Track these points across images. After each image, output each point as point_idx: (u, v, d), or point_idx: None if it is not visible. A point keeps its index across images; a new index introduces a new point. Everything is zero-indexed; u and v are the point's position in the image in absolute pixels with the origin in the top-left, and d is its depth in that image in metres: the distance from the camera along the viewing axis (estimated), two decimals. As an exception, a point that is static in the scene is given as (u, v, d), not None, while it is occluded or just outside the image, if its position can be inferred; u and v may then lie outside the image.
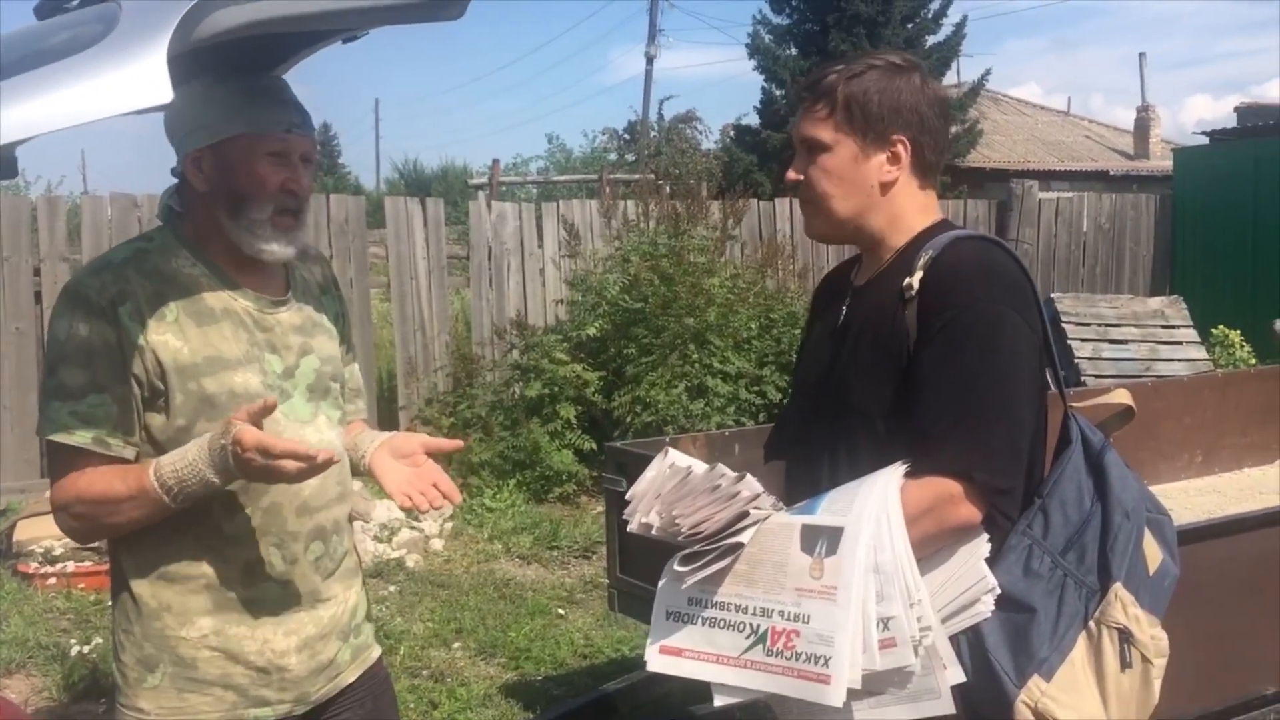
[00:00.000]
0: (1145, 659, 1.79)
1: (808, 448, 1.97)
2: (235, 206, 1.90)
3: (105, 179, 69.11)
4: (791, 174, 1.96)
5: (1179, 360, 8.79)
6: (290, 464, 1.71)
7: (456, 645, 4.88)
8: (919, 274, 1.82)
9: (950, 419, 1.74)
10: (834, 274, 2.18)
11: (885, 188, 1.90)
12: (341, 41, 2.08)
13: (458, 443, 2.13)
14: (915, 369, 1.79)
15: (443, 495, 2.04)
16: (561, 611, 5.30)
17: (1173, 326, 9.14)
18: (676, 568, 1.74)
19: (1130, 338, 8.93)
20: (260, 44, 1.91)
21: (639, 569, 3.55)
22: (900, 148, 1.89)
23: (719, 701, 1.72)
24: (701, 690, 1.78)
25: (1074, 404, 1.96)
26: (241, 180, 1.90)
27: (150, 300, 1.86)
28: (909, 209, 1.92)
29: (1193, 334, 9.10)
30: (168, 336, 1.85)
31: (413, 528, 6.37)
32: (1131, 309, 9.24)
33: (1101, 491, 1.85)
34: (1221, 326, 9.47)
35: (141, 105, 1.48)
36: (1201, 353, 9.00)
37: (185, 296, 1.89)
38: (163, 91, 1.45)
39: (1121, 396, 2.13)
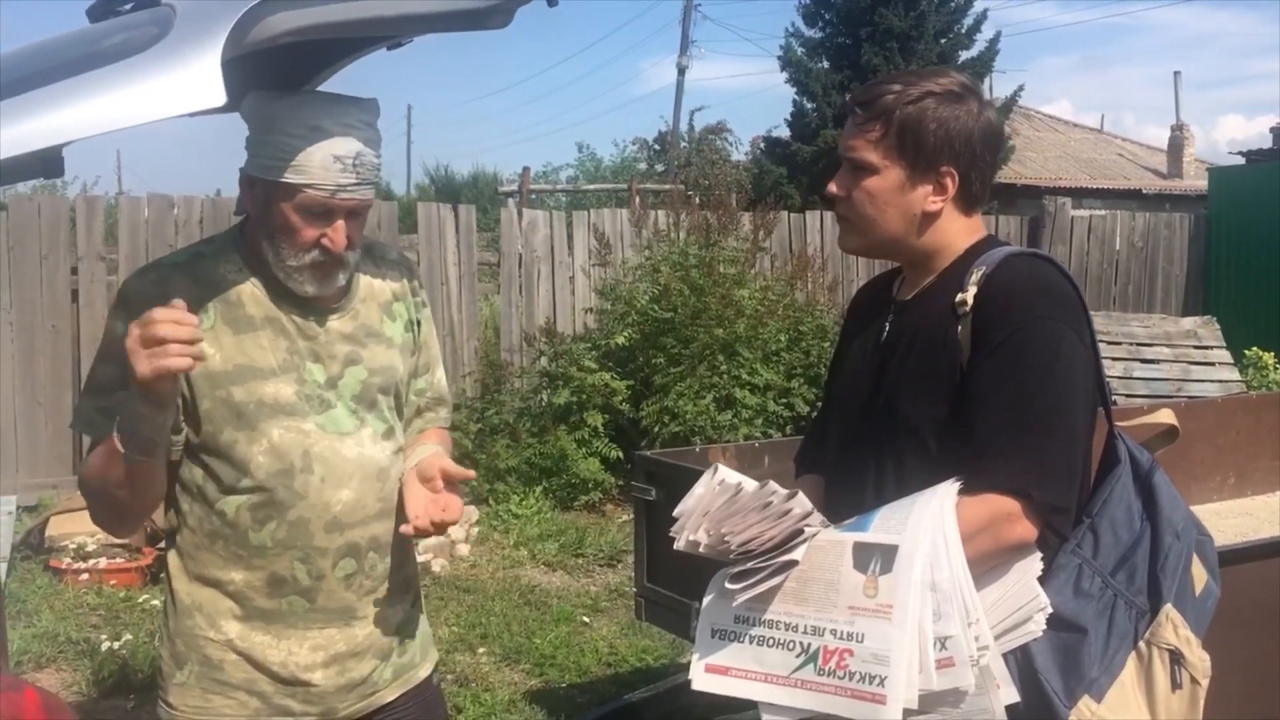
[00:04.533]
0: (1194, 680, 1.78)
1: (851, 463, 1.95)
2: (272, 243, 1.87)
3: (138, 179, 69.73)
4: (835, 189, 1.93)
5: (1211, 381, 8.71)
6: (157, 327, 1.62)
7: (481, 651, 4.89)
8: (972, 290, 1.80)
9: (1008, 436, 1.72)
10: (871, 287, 2.16)
11: (928, 216, 1.89)
12: (386, 48, 2.10)
13: (470, 473, 2.04)
14: (971, 385, 1.77)
15: (442, 514, 1.92)
16: (586, 619, 5.30)
17: (1206, 347, 9.05)
18: (727, 585, 1.71)
19: (1162, 358, 8.85)
20: (307, 50, 1.93)
21: (666, 578, 3.55)
22: (948, 180, 1.86)
23: None
24: (726, 703, 1.77)
25: (1119, 423, 1.94)
26: (277, 224, 1.86)
27: (188, 306, 1.86)
28: (952, 232, 1.91)
29: (1226, 355, 9.01)
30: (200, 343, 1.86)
31: (439, 533, 6.39)
32: (1164, 329, 9.16)
33: (1151, 512, 1.84)
34: (1255, 348, 9.38)
35: (195, 109, 1.49)
36: (1234, 374, 8.91)
37: (226, 303, 1.89)
38: (216, 95, 1.47)
39: (1166, 416, 2.11)
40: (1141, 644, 1.78)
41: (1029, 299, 1.78)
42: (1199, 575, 1.84)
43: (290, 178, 1.81)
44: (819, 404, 2.42)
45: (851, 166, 1.90)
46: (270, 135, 1.82)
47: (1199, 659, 1.79)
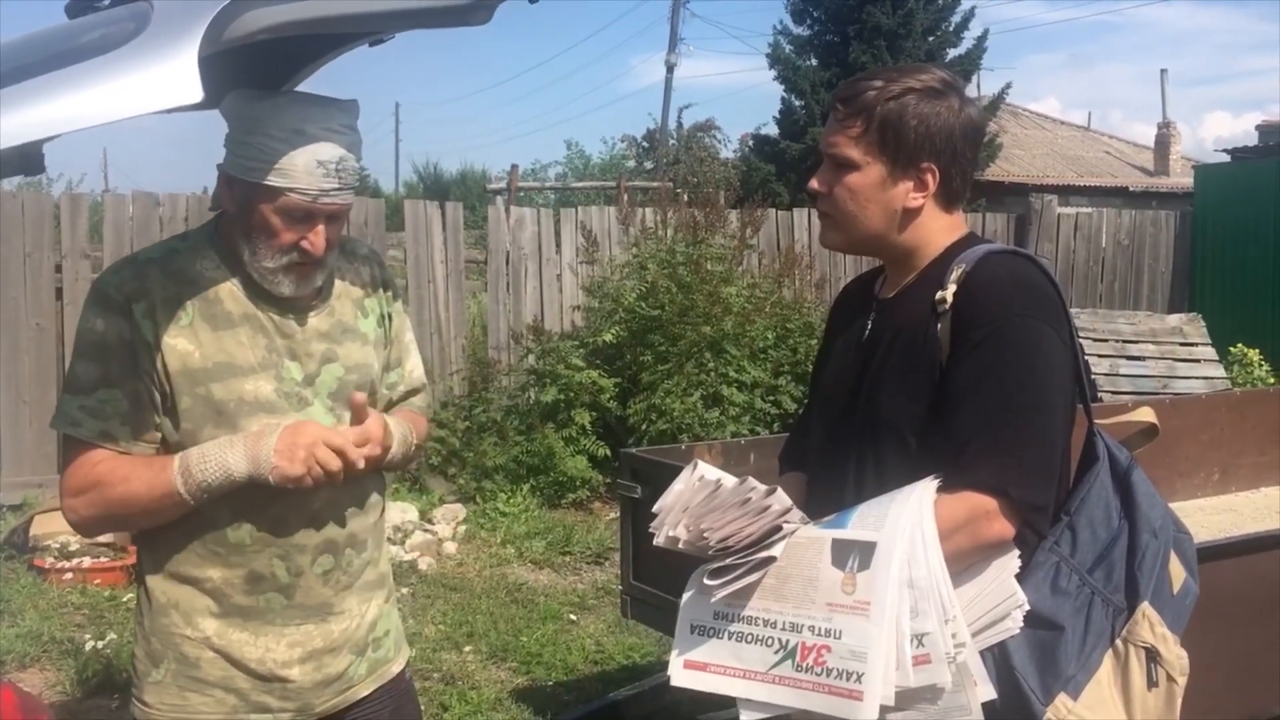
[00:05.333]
0: (1170, 678, 1.79)
1: (833, 460, 1.96)
2: (249, 243, 1.87)
3: (124, 176, 69.39)
4: (815, 185, 1.93)
5: (1197, 378, 8.75)
6: (330, 461, 1.80)
7: (468, 649, 4.89)
8: (952, 288, 1.81)
9: (986, 434, 1.73)
10: (854, 286, 2.17)
11: (909, 212, 1.89)
12: (368, 45, 2.09)
13: (359, 394, 1.96)
14: (950, 383, 1.78)
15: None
16: (573, 617, 5.30)
17: (1191, 344, 9.09)
18: (706, 581, 1.71)
19: (1148, 354, 8.89)
20: (288, 45, 1.92)
21: (652, 576, 3.55)
22: (929, 176, 1.87)
23: (745, 718, 1.69)
24: (711, 700, 1.77)
25: (1098, 421, 1.95)
26: (256, 224, 1.85)
27: (167, 301, 1.85)
28: (933, 229, 1.91)
29: (1211, 352, 9.05)
30: (179, 340, 1.85)
31: (426, 530, 6.39)
32: (1150, 326, 9.20)
33: (1129, 510, 1.85)
34: (1240, 345, 9.42)
35: (172, 105, 1.48)
36: (1219, 371, 8.95)
37: (204, 300, 1.88)
38: (193, 91, 1.46)
39: (1145, 414, 2.12)
40: (1118, 642, 1.79)
41: (1008, 297, 1.79)
42: (1177, 573, 1.85)
43: (273, 181, 1.80)
44: (805, 401, 2.44)
45: (833, 163, 1.91)
46: (252, 136, 1.81)
47: (1176, 657, 1.79)
